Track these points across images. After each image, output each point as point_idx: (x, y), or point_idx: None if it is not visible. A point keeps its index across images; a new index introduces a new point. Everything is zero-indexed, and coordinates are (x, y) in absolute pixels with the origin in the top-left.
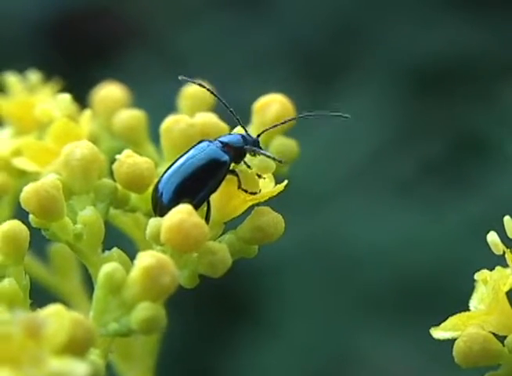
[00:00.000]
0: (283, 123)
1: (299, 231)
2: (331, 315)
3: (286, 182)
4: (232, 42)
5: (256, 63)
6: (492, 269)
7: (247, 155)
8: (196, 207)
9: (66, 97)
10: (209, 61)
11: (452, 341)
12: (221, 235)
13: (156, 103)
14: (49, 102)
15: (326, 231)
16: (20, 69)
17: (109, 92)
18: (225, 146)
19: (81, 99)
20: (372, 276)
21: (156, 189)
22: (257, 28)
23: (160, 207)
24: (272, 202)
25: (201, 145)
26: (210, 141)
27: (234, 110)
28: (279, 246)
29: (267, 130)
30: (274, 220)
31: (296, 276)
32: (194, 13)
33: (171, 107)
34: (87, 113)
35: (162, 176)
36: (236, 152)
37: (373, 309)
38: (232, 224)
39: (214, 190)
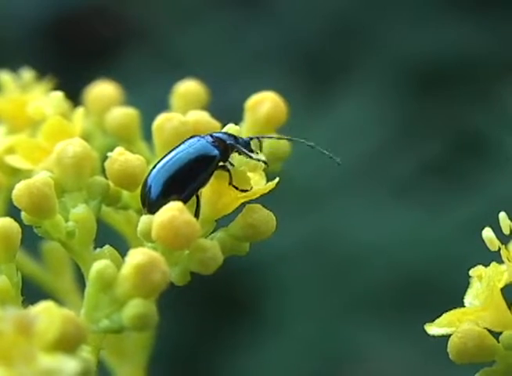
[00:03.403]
0: (271, 137)
1: (298, 229)
2: (330, 313)
3: (277, 179)
4: (231, 42)
5: (255, 62)
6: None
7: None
8: (185, 201)
9: (59, 95)
10: (208, 61)
11: None
12: (212, 232)
13: (156, 101)
14: (42, 100)
15: (326, 229)
16: (19, 68)
17: (102, 89)
18: (216, 140)
19: (80, 98)
20: (371, 275)
21: (144, 183)
22: (256, 28)
23: (149, 201)
24: (271, 200)
25: (191, 140)
26: (200, 136)
27: (232, 110)
28: (279, 243)
29: (262, 137)
30: (265, 217)
31: (295, 274)
32: (193, 13)
33: (170, 106)
34: (79, 110)
35: (151, 170)
36: (226, 148)
37: (372, 307)
38: (223, 221)
39: (203, 185)
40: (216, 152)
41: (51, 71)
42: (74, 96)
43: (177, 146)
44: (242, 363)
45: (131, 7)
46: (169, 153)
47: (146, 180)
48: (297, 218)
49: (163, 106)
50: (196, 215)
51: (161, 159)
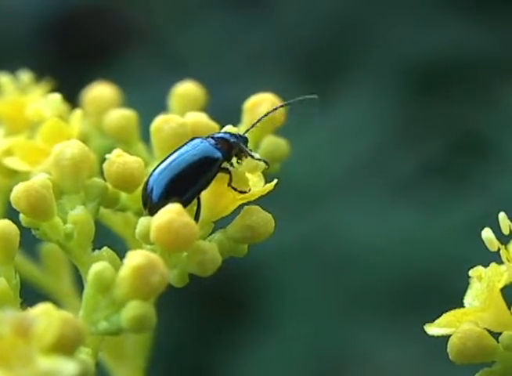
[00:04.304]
0: (266, 115)
1: (298, 228)
2: (329, 313)
3: (276, 181)
4: (231, 42)
5: (255, 62)
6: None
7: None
8: (186, 204)
9: (57, 97)
10: (208, 61)
11: None
12: (210, 234)
13: (156, 102)
14: (40, 102)
15: (325, 229)
16: (19, 68)
17: (100, 91)
18: (218, 142)
19: (79, 100)
20: (370, 275)
21: (146, 184)
22: (256, 28)
23: (151, 203)
24: (271, 200)
25: (194, 141)
26: (203, 138)
27: (230, 111)
28: (279, 243)
29: (255, 124)
30: (264, 219)
31: (295, 274)
32: (193, 13)
33: (168, 107)
34: (77, 112)
35: (153, 172)
36: (229, 148)
37: (372, 307)
38: (221, 223)
39: (204, 187)
40: (219, 154)
41: (50, 72)
42: (72, 97)
43: (179, 148)
44: (241, 363)
45: (130, 7)
46: (171, 154)
47: (147, 182)
48: (296, 218)
49: (162, 107)
50: (197, 217)
51: (163, 160)
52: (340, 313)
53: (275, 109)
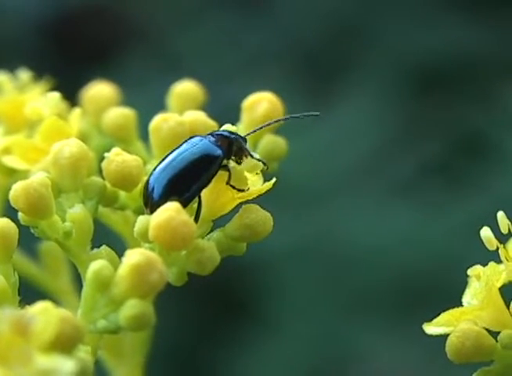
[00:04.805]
0: (268, 124)
1: (298, 228)
2: (330, 313)
3: (274, 179)
4: (230, 42)
5: (255, 62)
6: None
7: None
8: (187, 202)
9: (56, 95)
10: (208, 61)
11: None
12: (209, 232)
13: (154, 102)
14: (39, 100)
15: (326, 229)
16: (18, 67)
17: (99, 90)
18: (219, 140)
19: (78, 98)
20: (371, 275)
21: (147, 183)
22: (256, 28)
23: (152, 202)
24: (272, 199)
25: (193, 140)
26: (202, 136)
27: (230, 110)
28: (279, 243)
29: (254, 131)
30: (262, 218)
31: (295, 274)
32: (193, 13)
33: (167, 106)
34: (76, 111)
35: (153, 171)
36: (229, 145)
37: (372, 307)
38: (220, 221)
39: (205, 185)
40: (219, 152)
41: (49, 71)
42: (72, 97)
43: (178, 147)
44: (242, 362)
45: (130, 7)
46: (171, 153)
47: (148, 181)
48: (297, 218)
49: (161, 106)
50: (197, 215)
51: (163, 159)
52: (340, 313)
53: (277, 121)
